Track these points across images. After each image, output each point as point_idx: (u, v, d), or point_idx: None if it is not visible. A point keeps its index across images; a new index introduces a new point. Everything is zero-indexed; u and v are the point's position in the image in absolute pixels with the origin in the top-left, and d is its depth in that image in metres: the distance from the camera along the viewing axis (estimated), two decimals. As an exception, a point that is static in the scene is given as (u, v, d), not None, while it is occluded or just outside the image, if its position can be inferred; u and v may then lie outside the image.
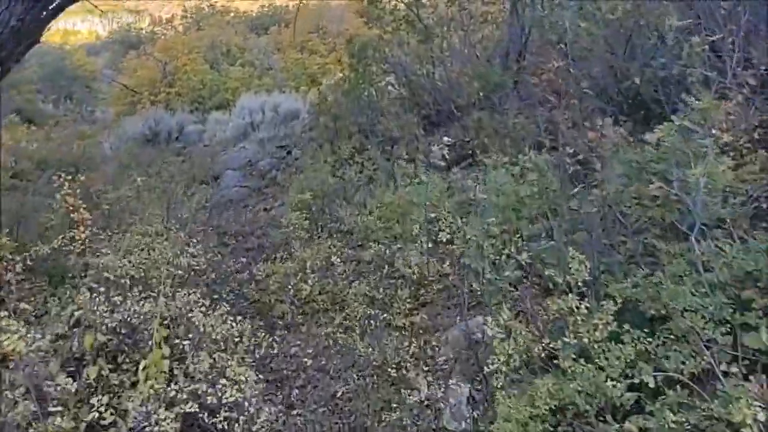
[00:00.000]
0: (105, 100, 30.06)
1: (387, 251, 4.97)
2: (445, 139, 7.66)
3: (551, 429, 2.89)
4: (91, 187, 6.39)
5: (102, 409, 3.08)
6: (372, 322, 4.36)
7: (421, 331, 4.33)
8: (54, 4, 4.62)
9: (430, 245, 4.82)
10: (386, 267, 4.87)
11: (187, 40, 30.37)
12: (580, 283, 3.00)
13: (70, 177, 4.28)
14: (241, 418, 3.16)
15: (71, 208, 4.11)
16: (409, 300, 4.53)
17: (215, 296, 4.52)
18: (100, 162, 10.86)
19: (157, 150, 13.15)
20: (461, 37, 9.00)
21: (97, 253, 4.08)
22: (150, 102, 26.73)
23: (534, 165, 4.11)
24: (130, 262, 3.96)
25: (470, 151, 7.10)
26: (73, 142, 11.96)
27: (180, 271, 4.13)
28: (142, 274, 3.99)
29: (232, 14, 45.45)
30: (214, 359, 3.36)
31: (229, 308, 3.95)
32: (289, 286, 4.76)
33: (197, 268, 4.45)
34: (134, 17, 65.08)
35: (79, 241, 4.01)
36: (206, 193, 8.94)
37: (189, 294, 3.71)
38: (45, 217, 5.60)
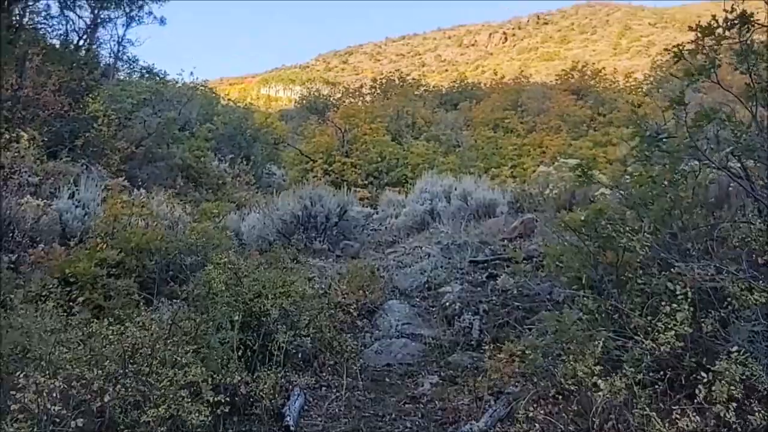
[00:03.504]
0: (285, 164, 28.10)
1: None
2: None
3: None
4: None
5: None
6: None
7: None
8: None
9: None
10: None
11: (371, 108, 27.73)
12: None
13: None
14: None
15: None
16: None
17: None
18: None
19: (299, 239, 9.20)
20: None
21: None
22: (323, 171, 24.00)
23: None
24: None
25: None
26: (179, 226, 8.38)
27: None
28: None
29: (422, 88, 43.11)
30: None
31: None
32: None
33: None
34: (330, 88, 66.56)
35: None
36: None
37: None
38: None
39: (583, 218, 4.44)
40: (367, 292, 6.62)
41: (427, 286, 7.33)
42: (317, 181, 22.18)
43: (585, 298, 4.45)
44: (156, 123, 15.45)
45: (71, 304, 6.86)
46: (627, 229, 4.13)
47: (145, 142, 15.50)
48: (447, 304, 6.44)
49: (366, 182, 22.44)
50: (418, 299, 7.05)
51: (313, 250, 10.63)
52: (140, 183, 14.79)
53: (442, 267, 8.02)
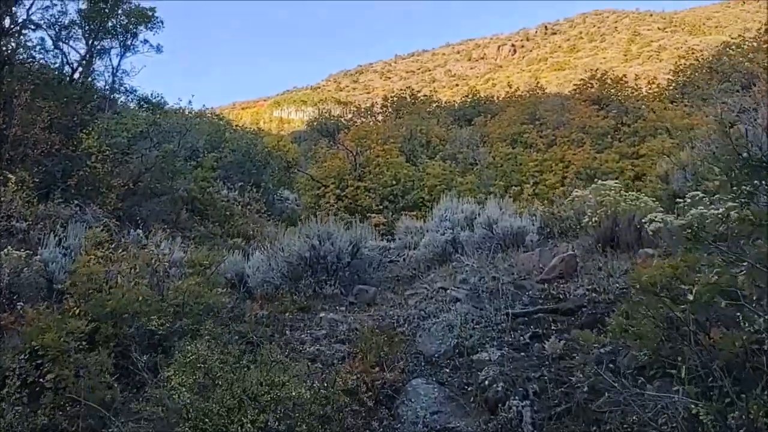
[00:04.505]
0: (299, 188, 26.97)
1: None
2: None
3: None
4: None
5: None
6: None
7: None
8: None
9: None
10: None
11: (383, 129, 26.50)
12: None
13: None
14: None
15: None
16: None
17: None
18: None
19: (305, 287, 7.92)
20: None
21: None
22: (335, 196, 22.79)
23: None
24: None
25: None
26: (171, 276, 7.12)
27: None
28: None
29: (434, 104, 41.85)
30: None
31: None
32: None
33: None
34: (342, 108, 65.65)
35: None
36: None
37: None
38: None
39: (692, 298, 3.08)
40: (385, 369, 5.29)
41: (457, 351, 5.98)
42: (329, 207, 20.96)
43: (694, 405, 3.10)
44: (155, 156, 14.34)
45: (41, 380, 5.73)
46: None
47: (144, 177, 14.37)
48: (486, 382, 5.08)
49: (381, 207, 21.18)
50: (447, 370, 5.70)
51: (323, 296, 9.35)
52: (139, 221, 13.63)
53: (473, 321, 6.69)
